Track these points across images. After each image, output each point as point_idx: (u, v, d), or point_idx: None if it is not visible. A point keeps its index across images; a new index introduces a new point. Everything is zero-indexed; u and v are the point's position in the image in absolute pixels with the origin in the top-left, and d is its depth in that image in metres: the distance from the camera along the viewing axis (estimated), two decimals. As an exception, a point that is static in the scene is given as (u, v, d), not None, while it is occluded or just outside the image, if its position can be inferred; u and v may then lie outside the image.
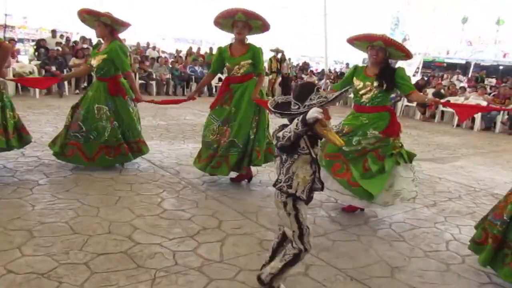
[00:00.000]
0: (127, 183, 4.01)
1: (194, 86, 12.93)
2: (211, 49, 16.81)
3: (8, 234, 2.75)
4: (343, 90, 2.03)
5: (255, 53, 4.02)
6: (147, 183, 4.07)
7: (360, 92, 3.55)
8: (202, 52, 17.45)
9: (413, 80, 16.12)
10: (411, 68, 26.38)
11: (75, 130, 4.19)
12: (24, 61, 12.48)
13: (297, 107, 1.99)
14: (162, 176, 4.34)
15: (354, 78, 3.63)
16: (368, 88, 3.51)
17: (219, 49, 4.19)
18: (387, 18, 30.64)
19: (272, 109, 2.05)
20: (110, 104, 4.27)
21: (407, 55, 3.50)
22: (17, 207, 3.21)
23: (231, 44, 4.13)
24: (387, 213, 3.75)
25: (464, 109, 4.39)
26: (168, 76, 13.20)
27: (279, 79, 14.99)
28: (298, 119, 1.86)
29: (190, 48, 18.18)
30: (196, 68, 14.42)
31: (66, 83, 10.76)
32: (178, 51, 17.97)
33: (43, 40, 13.18)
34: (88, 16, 4.21)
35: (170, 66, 13.87)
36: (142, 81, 12.30)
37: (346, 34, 3.61)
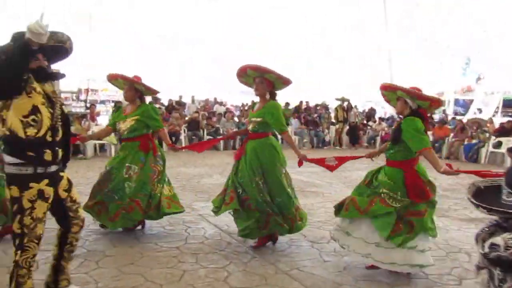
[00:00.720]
0: (193, 253, 3.81)
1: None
2: (275, 101, 16.95)
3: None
4: None
5: (267, 110, 3.86)
6: (213, 252, 3.85)
7: None
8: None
9: (496, 122, 14.84)
10: (489, 109, 24.53)
11: (105, 189, 4.15)
12: (104, 122, 13.41)
13: None
14: (229, 244, 4.10)
15: None
16: None
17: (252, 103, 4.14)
18: (458, 58, 29.23)
19: (475, 203, 1.63)
20: (143, 161, 4.20)
21: (431, 102, 3.33)
22: (82, 284, 3.10)
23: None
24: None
25: None
26: (235, 130, 13.40)
27: (346, 128, 14.58)
28: None
29: (252, 101, 18.39)
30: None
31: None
32: (243, 105, 18.35)
33: (119, 102, 14.13)
34: (121, 80, 4.31)
35: (237, 120, 14.11)
36: (210, 137, 12.56)
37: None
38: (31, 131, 2.20)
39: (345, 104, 15.12)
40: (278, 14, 27.85)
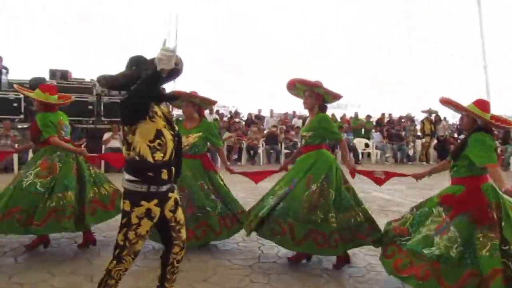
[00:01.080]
0: (265, 273, 3.71)
1: (338, 154, 12.51)
2: (356, 114, 16.38)
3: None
4: None
5: (318, 124, 3.80)
6: (286, 274, 3.70)
7: None
8: (347, 116, 16.75)
9: None
10: None
11: (195, 212, 4.04)
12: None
13: None
14: (302, 265, 3.93)
15: None
16: None
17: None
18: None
19: None
20: (207, 179, 4.25)
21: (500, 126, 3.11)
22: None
23: None
24: None
25: None
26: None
27: (434, 142, 13.58)
28: None
29: (332, 114, 17.83)
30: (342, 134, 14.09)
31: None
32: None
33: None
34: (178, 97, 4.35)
35: (314, 134, 13.88)
36: (287, 151, 12.48)
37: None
38: (158, 155, 2.27)
39: (433, 116, 14.12)
40: (278, 14, 27.67)
